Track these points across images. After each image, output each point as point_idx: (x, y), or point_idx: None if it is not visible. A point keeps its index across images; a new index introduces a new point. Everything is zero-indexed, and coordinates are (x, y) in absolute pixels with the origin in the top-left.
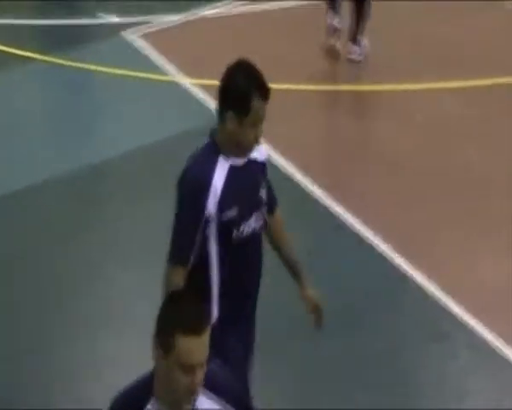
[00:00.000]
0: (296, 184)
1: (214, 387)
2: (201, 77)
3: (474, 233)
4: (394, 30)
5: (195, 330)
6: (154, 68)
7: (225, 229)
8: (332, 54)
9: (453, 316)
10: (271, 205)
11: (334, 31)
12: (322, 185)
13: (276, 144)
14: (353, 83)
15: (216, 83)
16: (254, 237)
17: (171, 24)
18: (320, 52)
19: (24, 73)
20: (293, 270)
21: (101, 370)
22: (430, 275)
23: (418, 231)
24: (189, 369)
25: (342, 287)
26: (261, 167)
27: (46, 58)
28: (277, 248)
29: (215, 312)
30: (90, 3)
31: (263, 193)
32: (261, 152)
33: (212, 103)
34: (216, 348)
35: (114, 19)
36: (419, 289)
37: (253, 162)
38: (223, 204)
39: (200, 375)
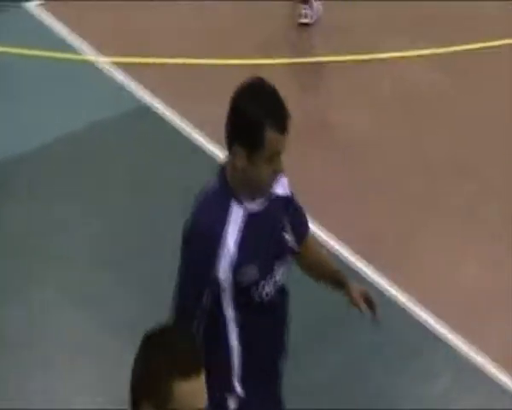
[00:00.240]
0: None
1: None
2: (121, 54)
3: (453, 239)
4: None
5: (196, 371)
6: (62, 45)
7: (244, 291)
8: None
9: (428, 330)
10: (303, 234)
11: None
12: None
13: (211, 127)
14: (305, 53)
15: (139, 61)
16: (278, 291)
17: None
18: (267, 19)
19: None
20: (339, 280)
21: None
22: (401, 285)
23: (385, 235)
24: None
25: (310, 300)
26: (284, 203)
27: None
28: (316, 271)
29: (237, 387)
30: None
31: (287, 236)
32: (283, 185)
33: (133, 85)
34: None
35: None
36: (392, 302)
37: (275, 201)
38: (239, 265)
39: None
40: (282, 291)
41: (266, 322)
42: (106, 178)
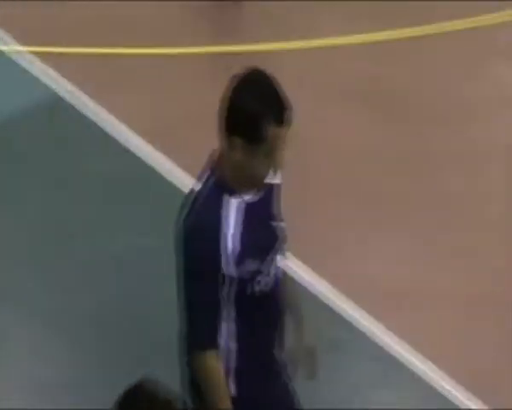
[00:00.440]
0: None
1: None
2: (36, 44)
3: (368, 231)
4: None
5: None
6: None
7: (245, 284)
8: None
9: (348, 322)
10: None
11: None
12: (181, 165)
13: (131, 118)
14: (223, 41)
15: (54, 50)
16: (275, 281)
17: None
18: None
19: None
20: (295, 320)
21: None
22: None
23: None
24: None
25: None
26: (276, 190)
27: None
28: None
29: (231, 388)
30: None
31: (283, 224)
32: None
33: (50, 76)
34: None
35: None
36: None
37: (270, 189)
38: (242, 257)
39: None
40: (278, 280)
41: (265, 314)
42: (21, 173)
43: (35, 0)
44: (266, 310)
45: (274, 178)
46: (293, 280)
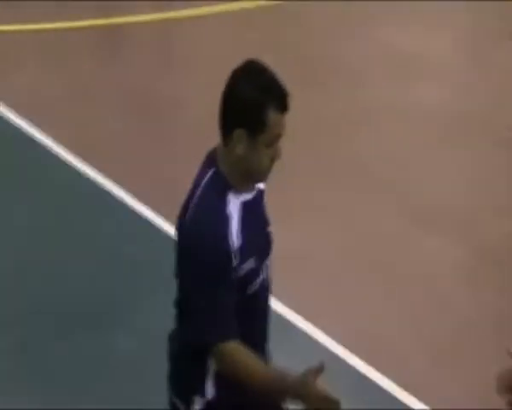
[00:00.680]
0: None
1: None
2: None
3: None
4: None
5: None
6: None
7: (240, 284)
8: None
9: None
10: None
11: None
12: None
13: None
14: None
15: None
16: (265, 285)
17: None
18: None
19: None
20: None
21: None
22: None
23: None
24: None
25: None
26: (262, 195)
27: None
28: None
29: (209, 392)
30: None
31: (269, 228)
32: None
33: None
34: None
35: None
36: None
37: (259, 192)
38: (245, 255)
39: None
40: (268, 288)
41: (252, 315)
42: None
43: None
44: (253, 310)
45: (259, 184)
46: None
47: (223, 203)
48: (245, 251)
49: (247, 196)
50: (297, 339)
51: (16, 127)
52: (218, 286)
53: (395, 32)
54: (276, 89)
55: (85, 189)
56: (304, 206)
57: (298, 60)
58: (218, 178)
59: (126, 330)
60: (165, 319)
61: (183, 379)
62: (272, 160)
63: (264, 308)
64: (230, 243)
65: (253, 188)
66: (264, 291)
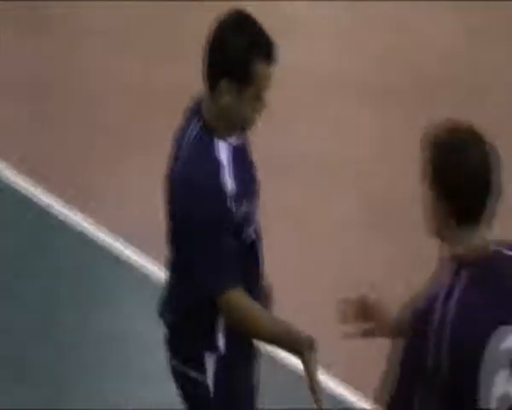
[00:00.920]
0: None
1: None
2: None
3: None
4: None
5: None
6: None
7: (240, 229)
8: None
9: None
10: None
11: None
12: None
13: None
14: None
15: None
16: (257, 232)
17: None
18: None
19: None
20: None
21: None
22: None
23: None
24: None
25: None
26: (247, 141)
27: None
28: None
29: (220, 345)
30: None
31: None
32: None
33: None
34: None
35: None
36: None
37: (245, 136)
38: (239, 198)
39: None
40: (259, 235)
41: (250, 264)
42: None
43: None
44: (251, 260)
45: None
46: None
47: (212, 149)
48: (239, 194)
49: (234, 142)
50: None
51: None
52: (219, 234)
53: None
54: (263, 39)
55: None
56: None
57: None
58: (204, 128)
59: None
60: None
61: (190, 341)
62: (259, 110)
63: (260, 259)
64: (225, 187)
65: (239, 134)
66: (259, 241)
